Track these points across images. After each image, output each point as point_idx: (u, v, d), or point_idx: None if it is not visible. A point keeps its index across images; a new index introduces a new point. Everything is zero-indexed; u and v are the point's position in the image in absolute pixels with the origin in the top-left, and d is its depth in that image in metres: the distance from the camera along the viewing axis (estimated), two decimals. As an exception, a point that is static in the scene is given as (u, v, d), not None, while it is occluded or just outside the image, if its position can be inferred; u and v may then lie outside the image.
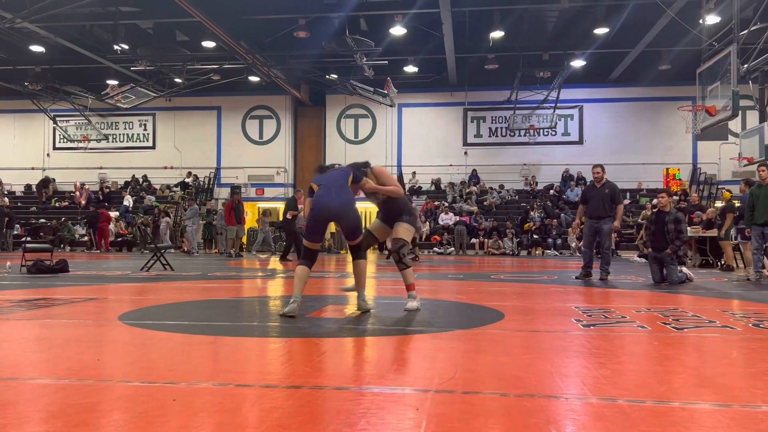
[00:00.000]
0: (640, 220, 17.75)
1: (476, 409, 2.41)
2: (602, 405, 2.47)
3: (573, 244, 19.45)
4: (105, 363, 3.30)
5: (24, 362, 3.34)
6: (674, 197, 19.15)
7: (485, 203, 23.13)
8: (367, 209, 25.13)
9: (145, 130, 27.08)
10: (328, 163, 5.06)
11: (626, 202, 22.40)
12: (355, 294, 5.44)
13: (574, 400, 2.54)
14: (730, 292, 7.40)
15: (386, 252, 15.90)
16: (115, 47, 19.13)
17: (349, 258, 6.06)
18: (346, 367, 3.27)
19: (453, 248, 20.54)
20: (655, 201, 12.27)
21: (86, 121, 25.45)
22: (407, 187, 24.57)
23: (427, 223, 21.59)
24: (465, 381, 2.83)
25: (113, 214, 21.91)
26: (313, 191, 5.09)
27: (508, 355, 3.46)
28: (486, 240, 20.86)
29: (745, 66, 12.68)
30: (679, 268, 8.54)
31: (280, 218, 24.29)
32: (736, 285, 8.49)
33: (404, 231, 5.34)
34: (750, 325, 4.72)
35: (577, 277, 9.14)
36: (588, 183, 9.74)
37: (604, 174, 9.16)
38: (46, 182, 25.83)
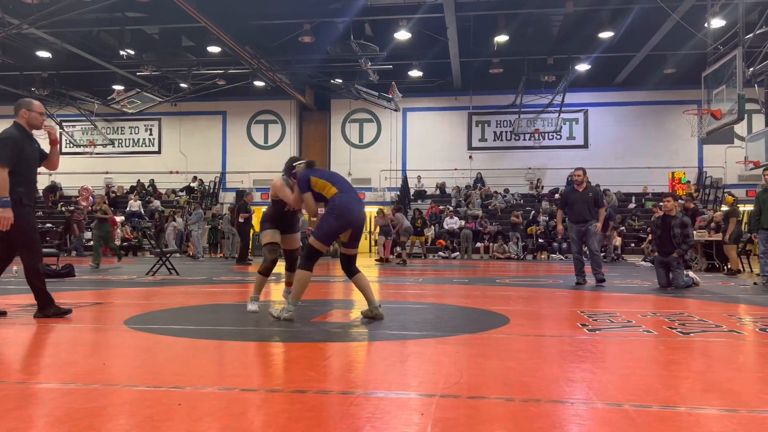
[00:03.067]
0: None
1: (482, 414, 2.41)
2: (608, 410, 2.46)
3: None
4: (111, 367, 3.31)
5: (30, 366, 3.35)
6: (680, 201, 19.09)
7: (490, 207, 23.10)
8: (372, 213, 25.19)
9: (150, 134, 27.19)
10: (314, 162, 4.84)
11: (632, 206, 22.38)
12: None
13: (579, 405, 2.54)
14: (736, 297, 7.36)
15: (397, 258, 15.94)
16: (121, 52, 19.23)
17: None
18: (351, 372, 3.27)
19: (458, 252, 20.50)
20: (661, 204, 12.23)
21: (92, 126, 25.56)
22: (412, 191, 24.61)
23: (432, 227, 21.58)
24: (470, 386, 2.83)
25: (119, 218, 21.96)
26: (308, 182, 4.89)
27: (514, 359, 3.46)
28: (491, 244, 20.82)
29: (751, 69, 12.64)
30: (685, 272, 8.51)
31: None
32: (742, 289, 8.45)
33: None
34: (757, 329, 4.70)
35: (577, 282, 8.89)
36: (568, 187, 9.52)
37: (585, 177, 8.99)
38: (53, 188, 25.94)
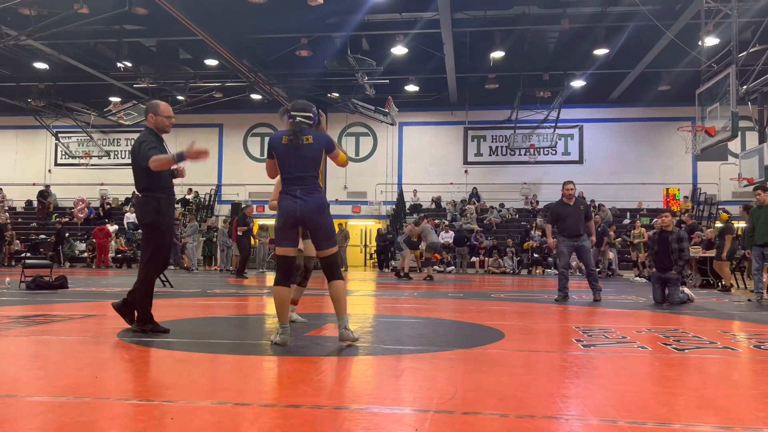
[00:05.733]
0: (632, 240, 17.74)
1: (476, 430, 2.39)
2: (603, 426, 2.45)
3: (573, 263, 19.40)
4: (103, 380, 3.28)
5: (21, 379, 3.32)
6: (676, 217, 19.15)
7: (485, 221, 23.14)
8: (367, 226, 25.20)
9: (146, 146, 27.15)
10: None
11: (626, 221, 22.44)
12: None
13: (574, 422, 2.52)
14: (731, 313, 7.37)
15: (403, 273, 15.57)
16: (119, 65, 19.29)
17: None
18: (345, 387, 3.25)
19: (453, 267, 20.49)
20: (655, 221, 12.27)
21: (88, 137, 25.56)
22: (408, 205, 24.62)
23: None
24: (465, 401, 2.82)
25: (111, 228, 21.88)
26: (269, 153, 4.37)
27: (509, 375, 3.44)
28: (486, 258, 20.83)
29: (744, 87, 12.74)
30: (680, 288, 8.52)
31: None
32: (736, 306, 8.46)
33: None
34: (751, 346, 4.70)
35: (556, 300, 8.63)
36: (557, 201, 9.45)
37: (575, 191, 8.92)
38: (44, 194, 25.77)
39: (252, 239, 15.21)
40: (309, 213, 4.23)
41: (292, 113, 4.38)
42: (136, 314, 4.89)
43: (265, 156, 4.45)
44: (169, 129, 5.15)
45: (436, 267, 20.16)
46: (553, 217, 9.05)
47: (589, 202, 22.54)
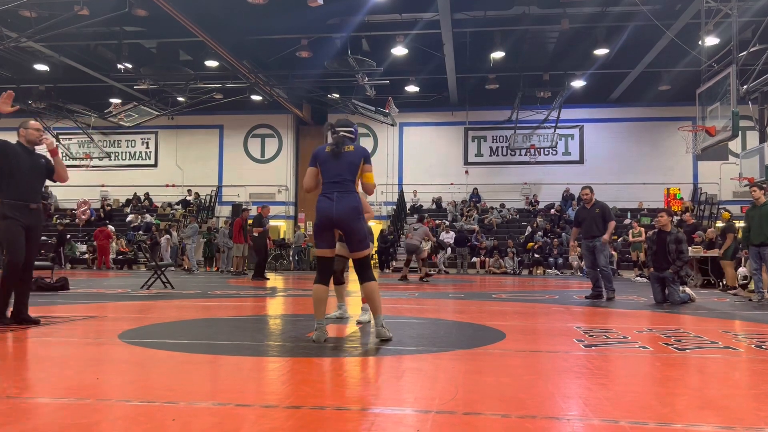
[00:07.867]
0: (630, 239, 17.74)
1: (477, 431, 2.39)
2: (604, 427, 2.45)
3: (575, 263, 19.42)
4: (104, 382, 3.28)
5: (23, 381, 3.32)
6: (675, 217, 19.12)
7: (486, 222, 23.14)
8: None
9: (147, 148, 27.21)
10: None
11: (627, 221, 22.43)
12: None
13: (575, 422, 2.52)
14: (732, 313, 7.37)
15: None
16: (119, 66, 19.30)
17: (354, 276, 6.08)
18: (346, 387, 3.25)
19: (437, 268, 20.50)
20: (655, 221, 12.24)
21: (89, 139, 25.58)
22: (408, 205, 24.63)
23: (430, 241, 21.57)
24: (466, 402, 2.82)
25: (110, 227, 21.88)
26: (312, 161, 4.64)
27: (510, 375, 3.44)
28: (487, 259, 20.83)
29: (745, 87, 12.74)
30: (681, 288, 8.51)
31: (280, 236, 24.41)
32: (737, 305, 8.45)
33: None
34: (753, 346, 4.70)
35: (587, 297, 9.08)
36: (580, 205, 9.80)
37: (592, 195, 9.24)
38: (43, 195, 25.76)
39: (268, 240, 14.82)
40: (343, 215, 4.43)
41: (336, 128, 4.74)
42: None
43: (308, 165, 4.71)
44: (40, 141, 5.36)
45: (435, 267, 20.18)
46: (576, 221, 9.56)
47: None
